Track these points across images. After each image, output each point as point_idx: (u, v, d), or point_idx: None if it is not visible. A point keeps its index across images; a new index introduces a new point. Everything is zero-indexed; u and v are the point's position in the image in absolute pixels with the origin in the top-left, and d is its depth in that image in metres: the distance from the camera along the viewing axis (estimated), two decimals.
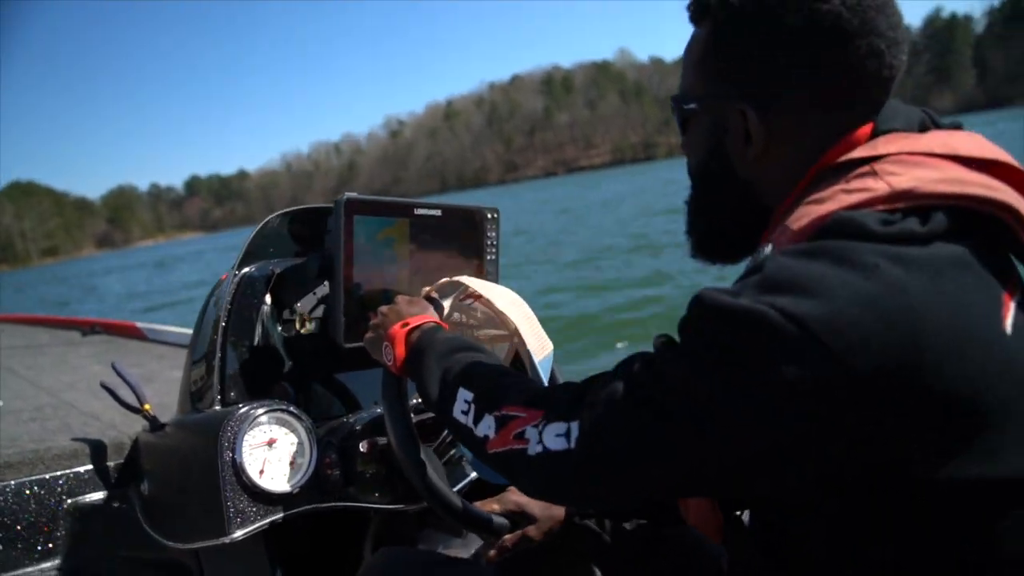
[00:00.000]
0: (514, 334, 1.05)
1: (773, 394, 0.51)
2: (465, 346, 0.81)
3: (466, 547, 1.28)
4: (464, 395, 0.72)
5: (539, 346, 1.03)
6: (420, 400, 0.86)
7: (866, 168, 0.60)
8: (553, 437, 0.62)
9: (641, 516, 0.98)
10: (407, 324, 0.87)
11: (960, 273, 0.54)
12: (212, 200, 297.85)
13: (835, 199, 0.59)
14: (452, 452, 1.20)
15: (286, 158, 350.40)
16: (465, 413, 0.72)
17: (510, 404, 0.68)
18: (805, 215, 0.60)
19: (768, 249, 0.60)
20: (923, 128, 0.64)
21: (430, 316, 0.90)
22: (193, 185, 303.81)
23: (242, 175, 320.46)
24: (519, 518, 0.99)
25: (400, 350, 0.85)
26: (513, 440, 0.65)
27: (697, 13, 0.70)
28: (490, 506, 0.99)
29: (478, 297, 1.09)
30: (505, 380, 0.73)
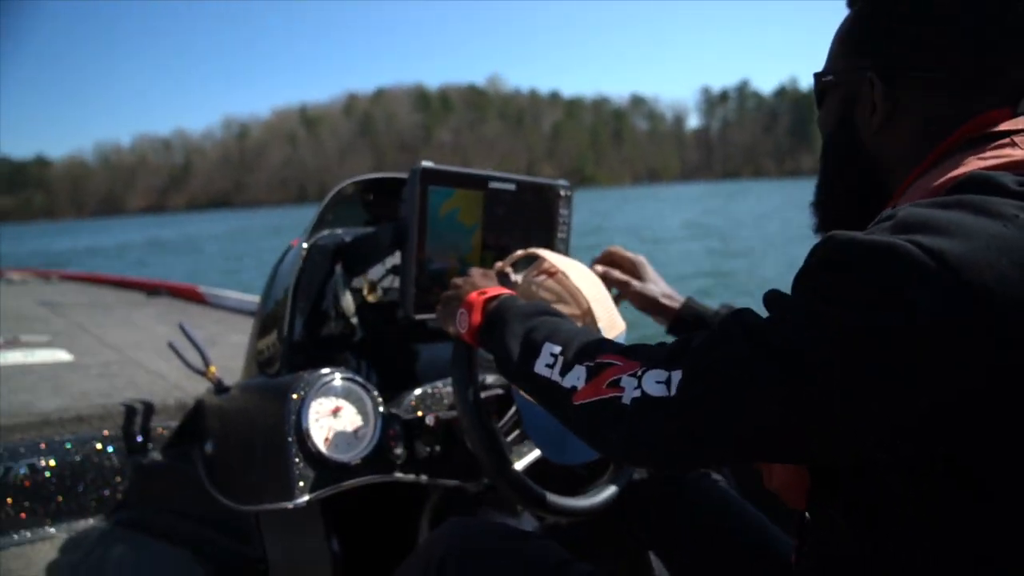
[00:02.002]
0: (586, 313, 0.99)
1: (908, 334, 0.47)
2: (548, 310, 0.80)
3: (521, 526, 1.27)
4: (551, 348, 0.70)
5: (610, 324, 0.98)
6: (495, 366, 0.82)
7: (1005, 140, 0.58)
8: (653, 383, 0.58)
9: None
10: (484, 293, 0.86)
11: None
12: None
13: (969, 164, 0.57)
14: (515, 433, 1.17)
15: (101, 148, 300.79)
16: (550, 366, 0.69)
17: (606, 353, 0.65)
18: (937, 177, 0.58)
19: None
20: None
21: (505, 288, 0.89)
22: None
23: (42, 162, 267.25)
24: None
25: (476, 317, 0.84)
26: (606, 388, 0.62)
27: None
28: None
29: (552, 274, 1.03)
30: (596, 337, 0.71)
